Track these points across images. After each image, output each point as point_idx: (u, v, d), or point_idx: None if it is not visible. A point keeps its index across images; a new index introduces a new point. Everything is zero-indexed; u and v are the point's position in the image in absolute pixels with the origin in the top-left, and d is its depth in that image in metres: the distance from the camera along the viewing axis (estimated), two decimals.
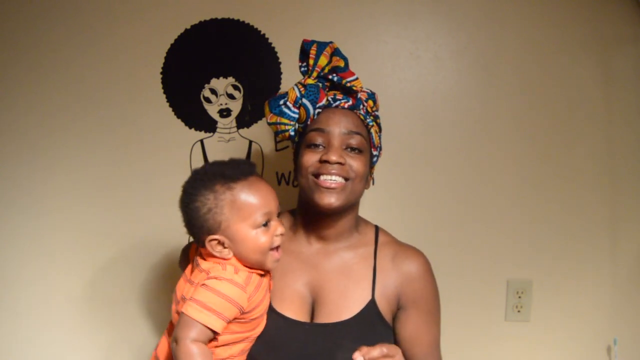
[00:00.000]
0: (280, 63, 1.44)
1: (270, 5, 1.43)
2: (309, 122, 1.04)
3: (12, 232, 1.50)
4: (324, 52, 1.05)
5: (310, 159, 1.01)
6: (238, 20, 1.44)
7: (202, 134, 1.47)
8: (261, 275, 0.97)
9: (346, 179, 1.00)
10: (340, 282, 1.04)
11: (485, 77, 1.44)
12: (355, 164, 1.01)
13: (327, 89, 1.06)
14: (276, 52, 1.44)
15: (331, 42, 1.06)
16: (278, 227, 0.95)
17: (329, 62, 1.05)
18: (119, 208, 1.49)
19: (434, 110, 1.45)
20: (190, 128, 1.47)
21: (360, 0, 1.43)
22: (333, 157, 0.98)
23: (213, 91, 1.46)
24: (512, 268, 1.48)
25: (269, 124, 1.06)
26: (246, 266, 0.95)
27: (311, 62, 1.05)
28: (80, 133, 1.47)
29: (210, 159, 1.47)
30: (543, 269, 1.47)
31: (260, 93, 1.45)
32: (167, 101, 1.46)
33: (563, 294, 1.47)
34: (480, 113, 1.45)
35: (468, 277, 1.47)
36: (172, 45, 1.45)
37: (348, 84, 1.03)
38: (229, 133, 1.47)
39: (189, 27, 1.44)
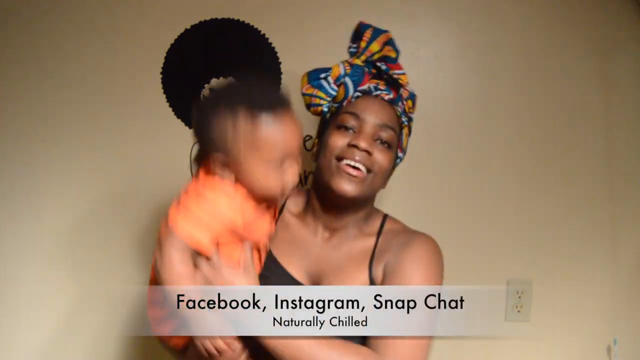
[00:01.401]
0: (280, 63, 1.44)
1: (270, 5, 1.43)
2: (344, 104, 1.00)
3: (11, 231, 1.50)
4: (378, 39, 1.02)
5: (339, 140, 0.97)
6: (238, 20, 1.44)
7: None
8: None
9: (369, 171, 0.96)
10: (341, 275, 0.99)
11: (485, 77, 1.44)
12: (382, 157, 0.97)
13: (371, 76, 1.02)
14: (276, 52, 1.44)
15: (387, 31, 1.03)
16: (292, 173, 0.88)
17: (381, 49, 1.02)
18: (118, 208, 1.49)
19: (434, 110, 1.45)
20: (190, 128, 1.47)
21: (360, 0, 1.43)
22: (362, 144, 0.94)
23: None
24: (512, 268, 1.48)
25: (303, 94, 1.02)
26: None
27: (363, 44, 1.02)
28: (80, 133, 1.47)
29: None
30: (543, 269, 1.47)
31: None
32: (167, 101, 1.46)
33: (563, 294, 1.47)
34: (480, 113, 1.45)
35: (468, 277, 1.47)
36: (172, 45, 1.45)
37: (395, 76, 1.01)
38: None
39: (189, 27, 1.44)
